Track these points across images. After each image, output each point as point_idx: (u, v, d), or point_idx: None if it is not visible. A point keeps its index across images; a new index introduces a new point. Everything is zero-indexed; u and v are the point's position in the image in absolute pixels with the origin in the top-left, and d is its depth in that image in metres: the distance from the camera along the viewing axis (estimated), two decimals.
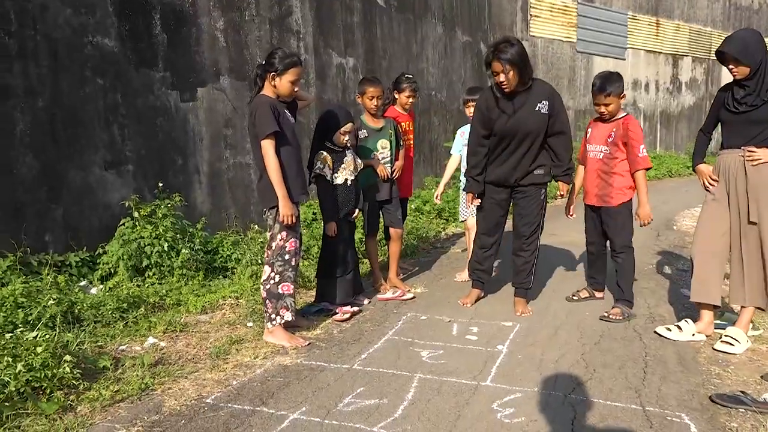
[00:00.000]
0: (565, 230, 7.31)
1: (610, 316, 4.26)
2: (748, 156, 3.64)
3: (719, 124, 3.91)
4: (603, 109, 4.26)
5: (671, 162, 14.43)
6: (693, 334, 3.87)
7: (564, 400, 3.03)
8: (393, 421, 2.82)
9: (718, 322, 4.08)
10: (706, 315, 3.93)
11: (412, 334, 4.02)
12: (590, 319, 4.29)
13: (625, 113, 4.36)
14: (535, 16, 11.78)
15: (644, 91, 14.86)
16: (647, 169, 4.31)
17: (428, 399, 3.05)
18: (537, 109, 4.15)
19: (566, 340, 3.87)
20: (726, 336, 3.75)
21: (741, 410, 2.93)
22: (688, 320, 3.95)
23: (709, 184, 3.90)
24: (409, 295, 4.80)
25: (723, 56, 3.69)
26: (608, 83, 4.20)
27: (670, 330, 3.92)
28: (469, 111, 4.94)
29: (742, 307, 3.84)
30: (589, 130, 4.52)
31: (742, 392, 3.06)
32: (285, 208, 3.69)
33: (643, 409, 2.94)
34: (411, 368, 3.44)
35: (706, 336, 3.90)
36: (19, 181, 4.64)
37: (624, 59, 14.12)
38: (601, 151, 4.34)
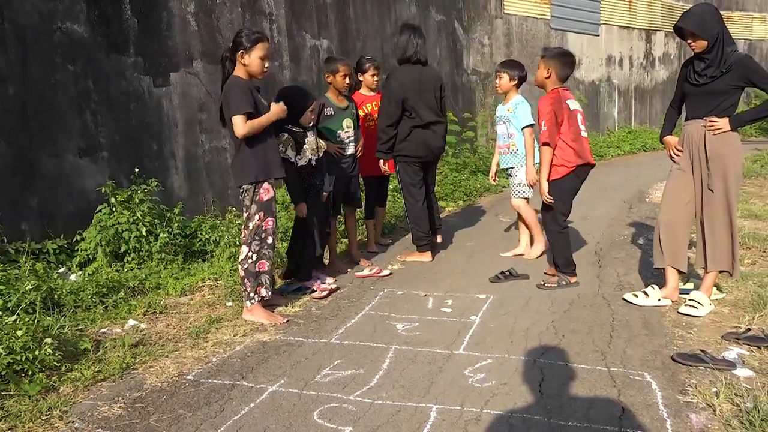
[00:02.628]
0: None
1: (546, 284, 4.47)
2: (710, 126, 3.76)
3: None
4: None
5: (646, 136, 14.61)
6: (659, 300, 4.02)
7: (533, 365, 3.15)
8: (369, 389, 2.93)
9: (683, 287, 4.24)
10: (672, 281, 4.08)
11: (388, 308, 4.12)
12: (561, 289, 4.41)
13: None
14: None
15: (618, 66, 14.98)
16: (544, 145, 4.34)
17: (403, 368, 3.16)
18: None
19: (537, 309, 4.00)
20: (690, 300, 3.90)
21: (700, 368, 3.08)
22: (654, 286, 4.10)
23: (674, 154, 4.02)
24: (386, 272, 4.90)
25: (681, 31, 3.79)
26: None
27: (637, 296, 4.07)
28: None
29: (705, 271, 3.98)
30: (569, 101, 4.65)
31: (702, 351, 3.21)
32: (274, 113, 3.84)
33: (608, 369, 3.08)
34: (387, 340, 3.54)
35: (672, 301, 4.05)
36: None
37: (598, 35, 14.20)
38: None
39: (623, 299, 4.12)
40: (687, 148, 3.94)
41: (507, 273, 4.68)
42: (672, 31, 4.09)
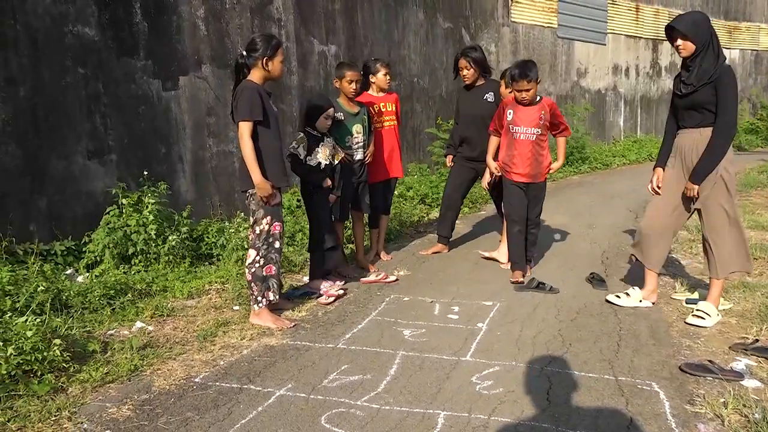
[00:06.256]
0: (548, 214, 7.46)
1: (527, 282, 4.66)
2: (688, 192, 3.82)
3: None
4: (525, 95, 4.54)
5: (651, 146, 14.59)
6: (640, 300, 4.13)
7: (540, 373, 3.15)
8: (376, 395, 2.93)
9: (691, 297, 4.24)
10: (650, 282, 4.18)
11: (395, 314, 4.12)
12: (568, 297, 4.42)
13: (539, 96, 4.70)
14: (516, 2, 11.82)
15: (624, 75, 15.00)
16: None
17: (410, 374, 3.16)
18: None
19: (544, 318, 4.00)
20: (697, 310, 3.89)
21: (708, 378, 3.07)
22: (636, 288, 4.21)
23: (653, 190, 4.11)
24: (392, 278, 4.91)
25: (671, 33, 3.80)
26: (528, 70, 4.51)
27: (619, 297, 4.19)
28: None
29: (711, 280, 3.97)
30: (510, 112, 4.71)
31: (710, 361, 3.21)
32: (260, 189, 3.77)
33: (616, 379, 3.07)
34: (394, 346, 3.54)
35: (652, 303, 4.15)
36: (1, 171, 4.66)
37: (604, 44, 14.23)
38: (534, 134, 4.66)
39: (606, 300, 4.23)
40: (680, 158, 3.94)
41: (537, 284, 4.63)
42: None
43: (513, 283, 4.72)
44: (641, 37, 15.21)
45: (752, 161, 12.11)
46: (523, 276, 4.80)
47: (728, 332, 3.72)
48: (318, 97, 4.70)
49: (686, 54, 3.75)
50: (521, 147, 4.67)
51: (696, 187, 3.78)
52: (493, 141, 4.97)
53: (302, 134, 4.46)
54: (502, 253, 5.38)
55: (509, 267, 5.08)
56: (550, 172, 4.91)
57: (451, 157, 5.76)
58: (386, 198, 5.49)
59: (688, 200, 3.93)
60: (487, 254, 5.53)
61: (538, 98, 4.66)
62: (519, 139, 4.65)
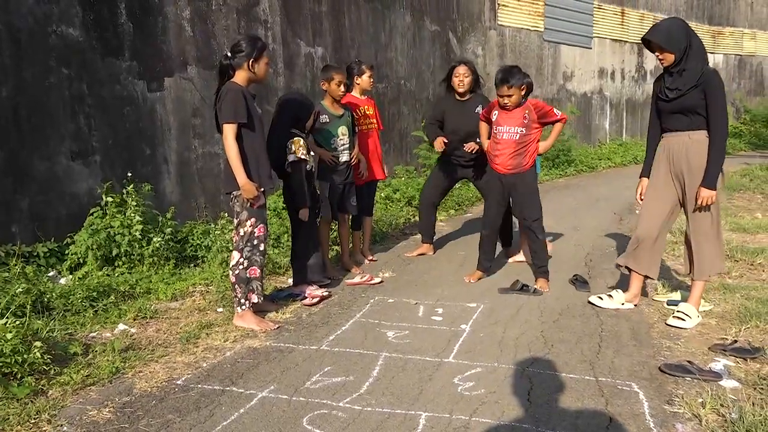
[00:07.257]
0: None
1: (511, 285, 4.69)
2: (701, 202, 3.79)
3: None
4: (506, 100, 4.51)
5: (636, 149, 14.72)
6: (622, 303, 4.17)
7: (522, 374, 3.17)
8: (358, 396, 2.94)
9: (672, 298, 4.28)
10: (635, 286, 4.22)
11: (379, 316, 4.13)
12: (551, 299, 4.45)
13: (524, 99, 4.66)
14: (503, 5, 11.88)
15: (610, 79, 15.12)
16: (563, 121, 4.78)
17: (393, 376, 3.17)
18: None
19: (527, 319, 4.02)
20: (678, 312, 3.93)
21: (687, 379, 3.11)
22: (619, 290, 4.25)
23: (639, 200, 4.20)
24: (377, 280, 4.92)
25: (650, 44, 3.85)
26: (510, 76, 4.43)
27: (602, 299, 4.23)
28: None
29: (692, 280, 4.01)
30: (495, 113, 4.71)
31: (689, 362, 3.24)
32: (246, 191, 3.76)
33: (596, 379, 3.10)
34: (377, 348, 3.55)
35: (634, 305, 4.19)
36: None
37: (590, 48, 14.34)
38: (517, 133, 4.61)
39: (589, 302, 4.27)
40: (668, 161, 3.97)
41: (521, 287, 4.65)
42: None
43: (467, 281, 4.89)
44: (627, 41, 15.34)
45: (735, 165, 12.25)
46: (480, 279, 4.95)
47: (708, 333, 3.76)
48: (301, 98, 4.62)
49: (667, 64, 3.80)
50: (504, 145, 4.67)
51: (714, 193, 3.75)
52: (483, 126, 4.93)
53: (298, 138, 4.32)
54: (523, 253, 5.50)
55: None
56: (538, 153, 4.79)
57: (441, 139, 5.31)
58: (370, 199, 5.52)
59: (678, 202, 3.98)
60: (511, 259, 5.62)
61: (523, 100, 4.65)
62: (502, 138, 4.67)
